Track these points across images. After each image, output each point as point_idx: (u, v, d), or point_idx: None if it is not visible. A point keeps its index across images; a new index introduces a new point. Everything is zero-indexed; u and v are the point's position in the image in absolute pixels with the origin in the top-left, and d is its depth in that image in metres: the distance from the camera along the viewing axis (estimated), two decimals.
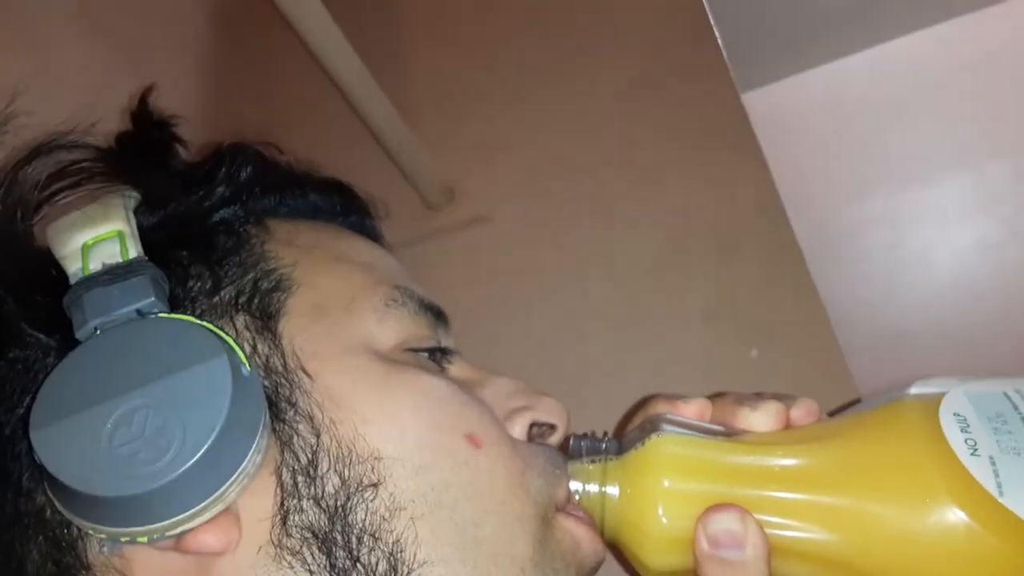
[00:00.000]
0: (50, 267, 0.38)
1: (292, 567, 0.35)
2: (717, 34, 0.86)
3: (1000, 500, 0.33)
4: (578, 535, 0.41)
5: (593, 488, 0.41)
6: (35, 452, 0.33)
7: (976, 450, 0.34)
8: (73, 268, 0.37)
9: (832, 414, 0.42)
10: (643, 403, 0.44)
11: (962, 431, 0.35)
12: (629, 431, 0.43)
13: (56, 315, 0.37)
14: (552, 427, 0.44)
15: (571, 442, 0.43)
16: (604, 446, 0.42)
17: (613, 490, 0.40)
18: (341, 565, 0.35)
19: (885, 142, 1.44)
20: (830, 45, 1.39)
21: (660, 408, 0.43)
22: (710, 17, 0.87)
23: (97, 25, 0.78)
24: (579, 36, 0.92)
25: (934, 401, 0.36)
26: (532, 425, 0.43)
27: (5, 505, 0.37)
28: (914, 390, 0.38)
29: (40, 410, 0.34)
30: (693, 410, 0.43)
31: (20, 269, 0.38)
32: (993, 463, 0.34)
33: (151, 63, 0.86)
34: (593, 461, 0.42)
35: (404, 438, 0.38)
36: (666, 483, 0.39)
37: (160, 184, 0.43)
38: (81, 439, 0.33)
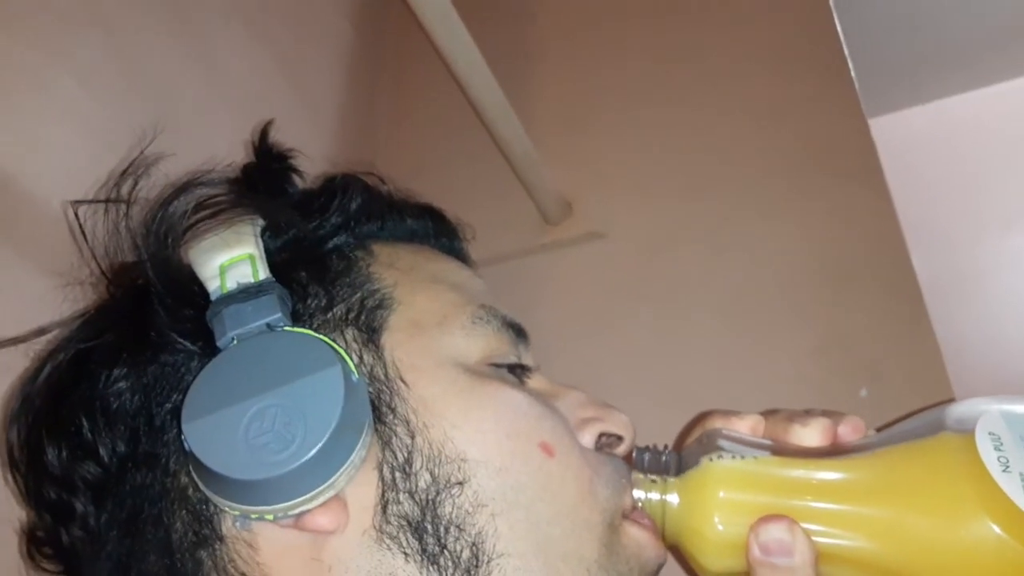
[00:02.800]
0: (194, 285, 0.45)
1: (390, 549, 0.40)
2: (849, 60, 0.85)
3: None
4: (642, 540, 0.46)
5: (655, 497, 0.45)
6: (185, 440, 0.40)
7: (1008, 467, 0.37)
8: (213, 286, 0.44)
9: (880, 430, 0.45)
10: (701, 418, 0.48)
11: (995, 449, 0.38)
12: (687, 444, 0.47)
13: (199, 326, 0.44)
14: (619, 438, 0.48)
15: (635, 454, 0.47)
16: (665, 458, 0.46)
17: (673, 499, 0.44)
18: (431, 550, 0.40)
19: (1016, 179, 1.37)
20: (964, 75, 1.34)
21: (716, 423, 0.47)
22: (842, 42, 0.86)
23: (258, 34, 0.84)
24: (707, 58, 0.92)
25: (972, 421, 0.39)
26: (601, 435, 0.48)
27: (155, 483, 0.43)
28: (957, 409, 0.41)
29: (190, 406, 0.40)
30: (747, 425, 0.46)
31: (170, 287, 0.44)
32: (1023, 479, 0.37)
33: (303, 69, 0.91)
34: (655, 473, 0.46)
35: (486, 443, 0.43)
36: (722, 494, 0.43)
37: (282, 212, 0.49)
38: (223, 431, 0.39)
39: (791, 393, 0.71)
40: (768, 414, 0.47)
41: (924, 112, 1.31)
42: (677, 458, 0.46)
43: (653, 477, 0.45)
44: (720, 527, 0.42)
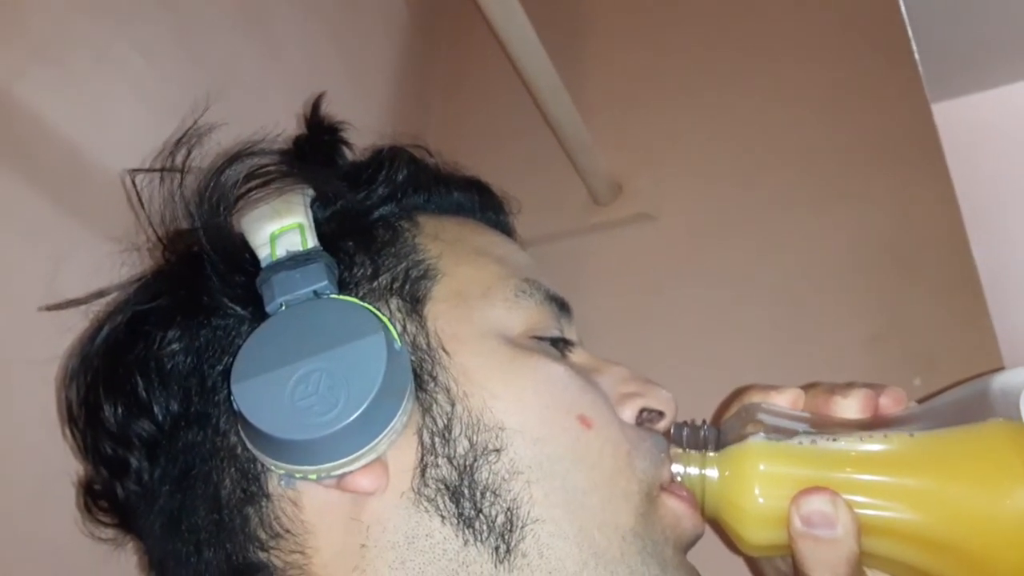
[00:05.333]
0: (245, 252, 0.46)
1: (427, 511, 0.42)
2: (913, 43, 0.83)
3: None
4: (679, 511, 0.46)
5: (694, 471, 0.45)
6: (234, 401, 0.41)
7: None
8: (263, 254, 0.45)
9: (921, 402, 0.44)
10: (739, 392, 0.48)
11: None
12: (726, 419, 0.47)
13: (250, 292, 0.45)
14: (660, 414, 0.49)
15: (672, 429, 0.47)
16: (703, 433, 0.46)
17: (712, 472, 0.44)
18: (467, 514, 0.41)
19: None
20: None
21: (755, 397, 0.46)
22: (907, 25, 0.84)
23: (314, 10, 0.85)
24: (765, 39, 0.91)
25: (1017, 391, 0.38)
26: (642, 411, 0.48)
27: (206, 442, 0.45)
28: (1001, 379, 0.40)
29: (239, 368, 0.42)
30: (786, 399, 0.46)
31: (222, 254, 0.46)
32: None
33: (357, 46, 0.92)
34: (694, 447, 0.45)
35: (525, 413, 0.44)
36: (762, 467, 0.42)
37: (330, 183, 0.50)
38: (270, 393, 0.41)
39: (843, 379, 0.69)
40: (808, 387, 0.47)
41: (989, 98, 1.26)
42: (716, 432, 0.46)
43: (692, 451, 0.45)
44: (761, 500, 0.42)
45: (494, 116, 0.99)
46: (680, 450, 0.46)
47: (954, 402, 0.42)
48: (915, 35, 0.83)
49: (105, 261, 0.54)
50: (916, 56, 0.82)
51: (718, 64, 0.92)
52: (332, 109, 0.57)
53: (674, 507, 0.46)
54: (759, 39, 0.91)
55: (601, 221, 0.87)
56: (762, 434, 0.43)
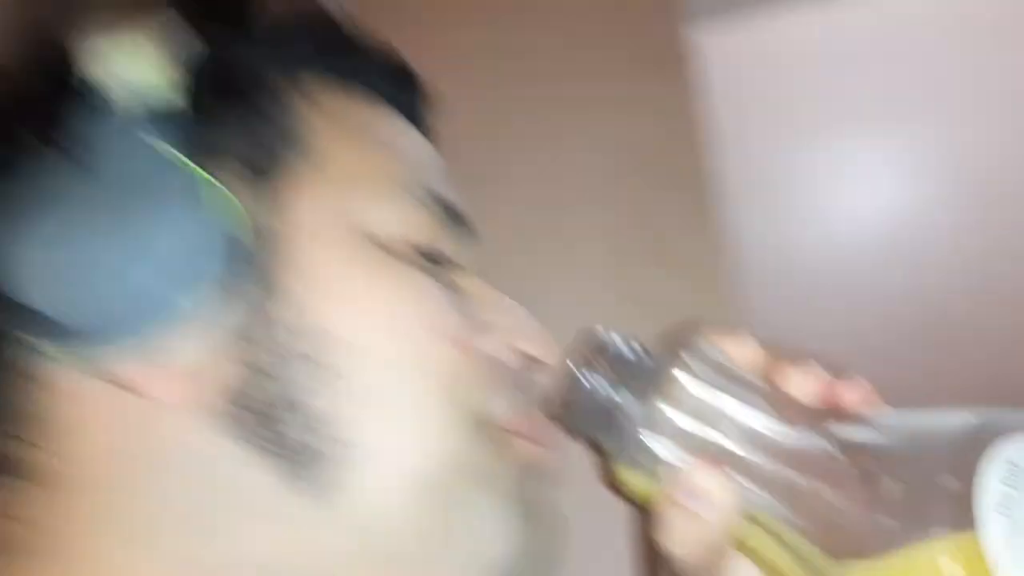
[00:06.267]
0: (80, 88, 0.37)
1: (228, 430, 0.35)
2: None
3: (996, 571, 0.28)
4: (527, 451, 0.41)
5: (602, 383, 0.39)
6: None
7: (1007, 508, 0.28)
8: (101, 89, 0.36)
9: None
10: (685, 327, 0.41)
11: (1003, 482, 0.29)
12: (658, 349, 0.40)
13: (73, 135, 0.36)
14: (533, 357, 0.43)
15: (589, 337, 0.40)
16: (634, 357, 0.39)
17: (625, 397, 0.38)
18: (271, 437, 0.35)
19: (834, 95, 1.42)
20: None
21: (700, 335, 0.39)
22: None
23: None
24: None
25: (992, 439, 0.30)
26: (513, 348, 0.43)
27: None
28: (987, 418, 0.32)
29: (16, 219, 0.34)
30: (733, 348, 0.39)
31: (49, 83, 0.37)
32: (1015, 530, 0.28)
33: None
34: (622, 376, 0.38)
35: (375, 328, 0.37)
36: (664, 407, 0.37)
37: (208, 27, 0.41)
38: (45, 252, 0.33)
39: (585, 279, 0.73)
40: (766, 347, 0.39)
41: (751, 24, 1.33)
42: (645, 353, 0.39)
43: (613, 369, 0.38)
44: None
45: None
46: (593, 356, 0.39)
47: (919, 446, 0.33)
48: None
49: None
50: None
51: None
52: None
53: (522, 447, 0.41)
54: None
55: None
56: (684, 375, 0.36)
